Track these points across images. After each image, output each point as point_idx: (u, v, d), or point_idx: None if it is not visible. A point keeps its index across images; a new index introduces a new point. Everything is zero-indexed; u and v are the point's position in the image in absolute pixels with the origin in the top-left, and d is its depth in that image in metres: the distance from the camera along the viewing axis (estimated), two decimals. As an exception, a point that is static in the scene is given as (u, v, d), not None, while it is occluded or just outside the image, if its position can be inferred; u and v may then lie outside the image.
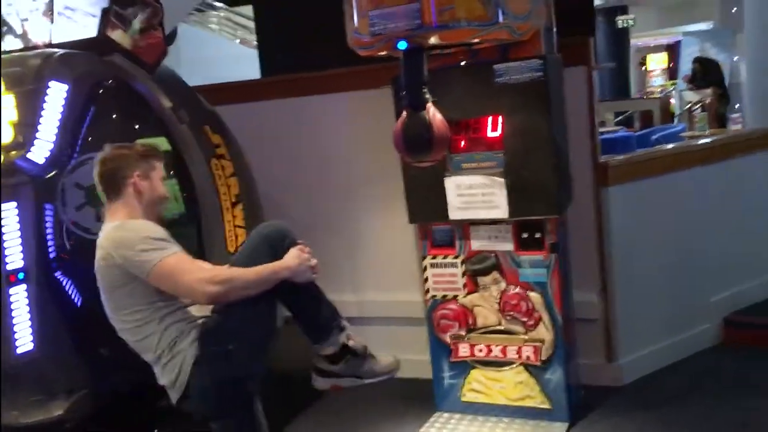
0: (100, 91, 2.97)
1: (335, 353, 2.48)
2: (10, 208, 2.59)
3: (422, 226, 3.25)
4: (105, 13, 3.01)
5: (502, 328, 3.17)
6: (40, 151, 2.66)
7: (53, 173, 2.71)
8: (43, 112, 2.69)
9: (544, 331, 3.10)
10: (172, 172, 2.91)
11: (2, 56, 2.92)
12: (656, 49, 15.15)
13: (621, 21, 12.58)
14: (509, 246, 3.10)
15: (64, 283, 2.66)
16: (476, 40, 2.69)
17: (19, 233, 2.58)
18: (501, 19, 2.54)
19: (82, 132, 2.78)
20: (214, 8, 10.13)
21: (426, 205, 3.15)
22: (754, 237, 4.04)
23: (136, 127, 2.97)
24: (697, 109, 8.33)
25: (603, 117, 10.33)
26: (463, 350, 3.25)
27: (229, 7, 10.07)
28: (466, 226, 3.15)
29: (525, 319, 3.12)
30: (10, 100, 2.70)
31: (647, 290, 3.56)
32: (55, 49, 2.92)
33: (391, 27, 2.50)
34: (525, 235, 3.07)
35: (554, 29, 3.06)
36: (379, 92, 3.22)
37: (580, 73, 3.34)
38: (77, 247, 2.65)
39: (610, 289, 3.46)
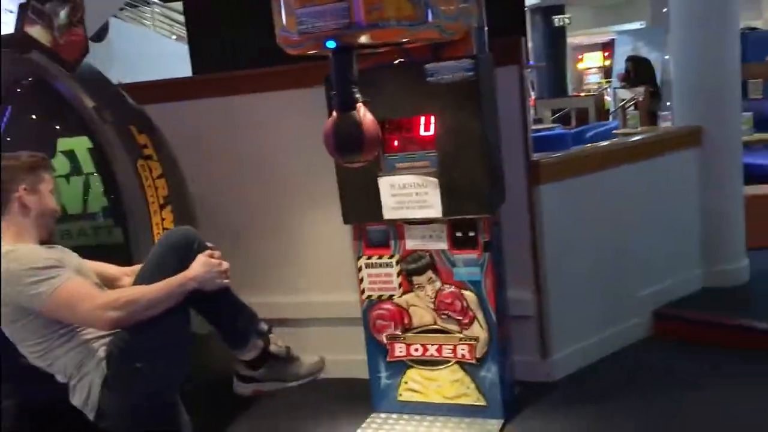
0: (18, 90, 2.86)
1: (256, 358, 2.42)
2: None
3: (357, 226, 3.23)
4: (23, 8, 2.89)
5: (437, 327, 3.18)
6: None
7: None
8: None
9: (479, 329, 3.12)
10: (95, 173, 2.82)
11: None
12: (592, 47, 15.52)
13: (557, 20, 12.83)
14: (443, 245, 3.11)
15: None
16: (406, 40, 2.67)
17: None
18: (430, 18, 2.54)
19: (-1, 133, 2.67)
20: (148, 3, 9.89)
21: (360, 205, 3.13)
22: (681, 233, 4.15)
23: (57, 127, 2.86)
24: (630, 106, 8.56)
25: (540, 114, 10.53)
26: (399, 350, 3.24)
27: (163, 3, 9.86)
28: (401, 226, 3.15)
29: (460, 318, 3.13)
30: None
31: (579, 286, 3.62)
32: None
33: (319, 25, 2.47)
34: (459, 234, 3.08)
35: (485, 29, 3.07)
36: (313, 91, 3.19)
37: (512, 73, 3.36)
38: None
39: (543, 286, 3.51)
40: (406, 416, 3.24)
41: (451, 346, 3.16)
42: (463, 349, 3.14)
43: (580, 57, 15.33)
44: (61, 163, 2.76)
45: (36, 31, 2.87)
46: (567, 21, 12.94)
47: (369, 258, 3.23)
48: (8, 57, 2.84)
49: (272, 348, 2.44)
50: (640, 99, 8.81)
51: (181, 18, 9.87)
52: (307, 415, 3.41)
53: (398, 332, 3.22)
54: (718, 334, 3.71)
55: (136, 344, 2.17)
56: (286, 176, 3.74)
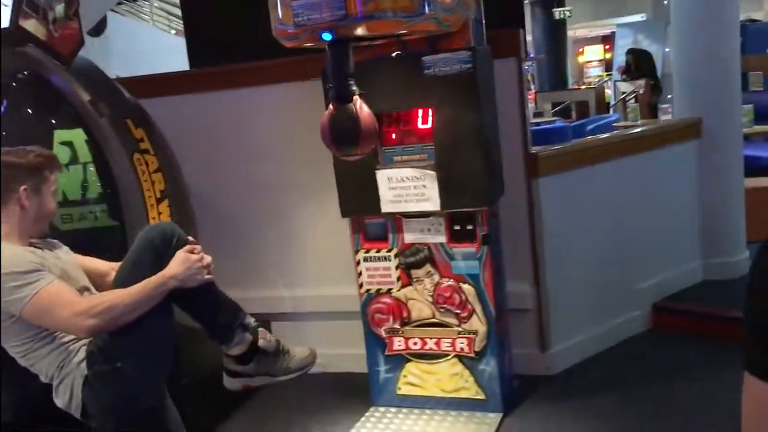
0: (13, 83, 2.85)
1: (244, 353, 2.40)
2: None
3: (355, 219, 3.22)
4: (17, 2, 2.86)
5: (436, 320, 3.17)
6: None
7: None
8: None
9: (478, 323, 3.11)
10: (91, 168, 2.82)
11: None
12: (592, 40, 15.47)
13: (558, 13, 12.78)
14: (442, 238, 3.10)
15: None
16: (403, 32, 2.65)
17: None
18: (427, 10, 2.51)
19: (-5, 127, 2.65)
20: (146, -2, 9.87)
21: (358, 198, 3.12)
22: (681, 225, 4.14)
23: (53, 121, 2.85)
24: (630, 99, 8.54)
25: (541, 108, 10.51)
26: (398, 344, 3.23)
27: (162, -3, 9.83)
28: (399, 219, 3.14)
29: (458, 311, 3.12)
30: None
31: (578, 279, 3.62)
32: None
33: (314, 18, 2.45)
34: (457, 228, 3.07)
35: (483, 21, 3.06)
36: (310, 84, 3.17)
37: (510, 65, 3.35)
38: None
39: (542, 279, 3.50)
40: (405, 410, 3.24)
41: (450, 340, 3.15)
42: (462, 343, 3.13)
43: (580, 50, 15.28)
44: (61, 153, 2.77)
45: (31, 25, 2.85)
46: (567, 14, 12.90)
47: (367, 252, 3.22)
48: (3, 51, 2.82)
49: (261, 342, 2.41)
50: (641, 92, 8.78)
51: (180, 12, 9.84)
52: (306, 409, 3.41)
53: (397, 326, 3.22)
54: (718, 327, 3.70)
55: (117, 344, 2.12)
56: (284, 169, 3.73)
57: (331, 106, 2.68)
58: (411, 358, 3.23)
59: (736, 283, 4.13)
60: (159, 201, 2.99)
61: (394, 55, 2.98)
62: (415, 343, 3.21)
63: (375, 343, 3.27)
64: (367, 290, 3.25)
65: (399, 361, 3.25)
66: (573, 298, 3.59)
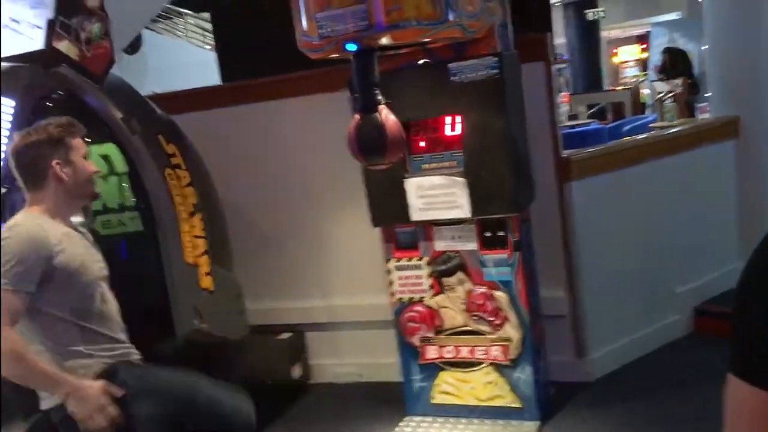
0: (49, 104, 2.92)
1: None
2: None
3: (385, 228, 3.22)
4: (51, 24, 2.94)
5: (469, 328, 3.14)
6: (-11, 167, 2.61)
7: (4, 189, 2.67)
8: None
9: (512, 330, 3.07)
10: (127, 180, 2.87)
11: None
12: (627, 40, 15.24)
13: (590, 14, 12.63)
14: (473, 245, 3.07)
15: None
16: (427, 40, 2.65)
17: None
18: (451, 17, 2.51)
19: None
20: (180, 15, 10.03)
21: (388, 207, 3.12)
22: (719, 227, 4.04)
23: (87, 138, 2.91)
24: (667, 99, 8.38)
25: (575, 110, 10.37)
26: (432, 352, 3.22)
27: (195, 14, 9.98)
28: (429, 227, 3.12)
29: (492, 319, 3.09)
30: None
31: (615, 284, 3.55)
32: (3, 63, 2.86)
33: (339, 29, 2.46)
34: (488, 234, 3.04)
35: (509, 26, 3.03)
36: (339, 95, 3.18)
37: (538, 69, 3.32)
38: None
39: (576, 284, 3.45)
40: (440, 419, 3.21)
41: (484, 348, 3.12)
42: (496, 351, 3.10)
43: (614, 51, 15.08)
44: (98, 165, 2.82)
45: (64, 46, 2.92)
46: (601, 14, 12.74)
47: (398, 260, 3.21)
48: (38, 72, 2.89)
49: None
50: (678, 91, 8.61)
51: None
52: (342, 418, 3.41)
53: (430, 334, 3.20)
54: (761, 330, 3.60)
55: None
56: (315, 180, 3.75)
57: (357, 116, 2.68)
58: (445, 367, 3.21)
59: (780, 284, 4.01)
60: (192, 215, 3.03)
61: (419, 63, 2.98)
62: (448, 352, 3.18)
63: (408, 352, 3.26)
64: (399, 299, 3.24)
65: (433, 369, 3.23)
66: (610, 303, 3.53)
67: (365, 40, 2.51)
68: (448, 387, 3.22)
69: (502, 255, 3.03)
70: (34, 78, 2.86)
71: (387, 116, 2.64)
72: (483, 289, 3.08)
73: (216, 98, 3.88)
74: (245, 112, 3.78)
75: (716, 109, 4.32)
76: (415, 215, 3.06)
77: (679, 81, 8.88)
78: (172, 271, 2.92)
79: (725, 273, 4.03)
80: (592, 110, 10.27)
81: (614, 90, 11.91)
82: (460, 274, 3.12)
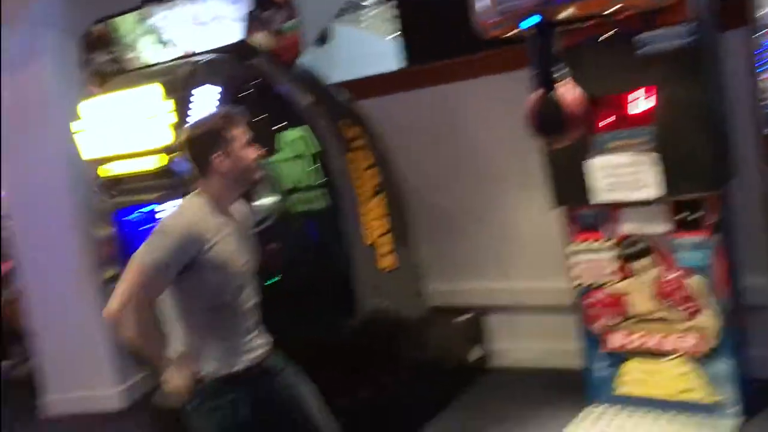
0: (247, 93, 3.14)
1: None
2: (167, 209, 2.79)
3: (567, 210, 3.11)
4: (249, 17, 3.15)
5: (659, 316, 2.96)
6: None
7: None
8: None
9: (708, 319, 2.85)
10: (313, 162, 3.02)
11: (159, 66, 3.16)
12: None
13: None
14: (663, 228, 2.89)
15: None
16: (613, 9, 2.51)
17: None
18: (640, -18, 2.36)
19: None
20: (364, 6, 10.32)
21: (570, 188, 3.01)
22: None
23: (278, 124, 3.10)
24: None
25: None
26: (616, 340, 3.07)
27: (379, 3, 10.22)
28: (614, 209, 2.97)
29: (685, 307, 2.89)
30: (170, 105, 2.90)
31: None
32: (205, 56, 3.11)
33: (518, 3, 2.40)
34: (681, 216, 2.84)
35: (706, -10, 2.80)
36: (520, 74, 3.11)
37: (740, 36, 3.02)
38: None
39: (785, 271, 3.11)
40: (625, 410, 3.06)
41: (675, 337, 2.92)
42: (690, 341, 2.89)
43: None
44: (288, 149, 3.03)
45: (259, 38, 3.12)
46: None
47: (580, 243, 3.09)
48: (237, 63, 3.12)
49: None
50: None
51: (394, 17, 10.15)
52: (521, 403, 3.36)
53: (614, 321, 3.05)
54: None
55: None
56: (496, 161, 3.71)
57: (536, 93, 2.61)
58: (631, 356, 3.05)
59: None
60: (373, 196, 3.13)
61: (605, 35, 2.83)
62: (635, 341, 3.02)
63: (591, 339, 3.13)
64: (581, 284, 3.12)
65: (617, 358, 3.08)
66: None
67: (548, 12, 2.43)
68: (634, 377, 3.06)
69: (697, 238, 2.81)
70: (234, 68, 3.08)
71: (567, 92, 2.55)
72: (675, 275, 2.88)
73: (398, 83, 3.96)
74: (426, 95, 3.83)
75: None
76: (599, 196, 2.93)
77: None
78: (353, 250, 3.03)
79: None
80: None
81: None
82: (648, 259, 2.95)
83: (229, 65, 3.06)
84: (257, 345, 2.21)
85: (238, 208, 2.29)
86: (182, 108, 2.88)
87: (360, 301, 3.05)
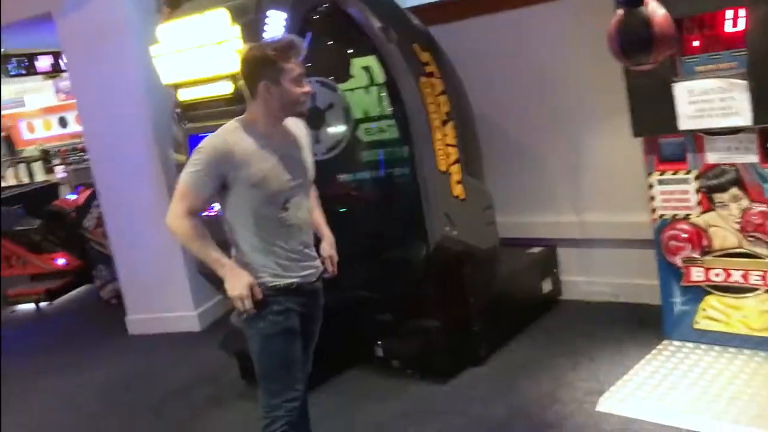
0: (315, 16, 3.08)
1: None
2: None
3: (648, 139, 2.97)
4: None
5: (743, 250, 2.83)
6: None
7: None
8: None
9: (796, 255, 2.71)
10: (384, 89, 2.96)
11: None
12: None
13: None
14: (753, 158, 2.73)
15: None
16: None
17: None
18: None
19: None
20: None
21: (652, 115, 2.86)
22: None
23: (349, 50, 3.04)
24: None
25: None
26: (697, 274, 2.96)
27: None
28: (700, 138, 2.82)
29: (772, 241, 2.75)
30: (236, 30, 2.88)
31: None
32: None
33: None
34: (772, 145, 2.68)
35: None
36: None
37: None
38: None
39: None
40: (703, 346, 2.97)
41: (761, 273, 2.80)
42: (775, 277, 2.76)
43: None
44: (360, 77, 3.00)
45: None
46: None
47: (662, 174, 2.96)
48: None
49: None
50: None
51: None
52: (593, 337, 3.30)
53: (696, 255, 2.93)
54: None
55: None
56: (572, 88, 3.56)
57: (620, 11, 2.45)
58: (712, 291, 2.94)
59: None
60: (444, 123, 3.05)
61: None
62: (717, 275, 2.90)
63: (670, 273, 3.03)
64: (662, 216, 3.00)
65: (697, 293, 2.98)
66: None
67: None
68: (715, 312, 2.95)
69: (789, 169, 2.65)
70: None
71: (655, 9, 2.38)
72: (763, 207, 2.73)
73: (470, 7, 3.81)
74: (500, 20, 3.68)
75: None
76: (685, 124, 2.78)
77: None
78: (425, 178, 2.99)
79: None
80: None
81: None
82: (734, 190, 2.80)
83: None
84: (309, 264, 2.30)
85: (292, 126, 2.32)
86: (249, 33, 2.85)
87: (432, 227, 3.02)
